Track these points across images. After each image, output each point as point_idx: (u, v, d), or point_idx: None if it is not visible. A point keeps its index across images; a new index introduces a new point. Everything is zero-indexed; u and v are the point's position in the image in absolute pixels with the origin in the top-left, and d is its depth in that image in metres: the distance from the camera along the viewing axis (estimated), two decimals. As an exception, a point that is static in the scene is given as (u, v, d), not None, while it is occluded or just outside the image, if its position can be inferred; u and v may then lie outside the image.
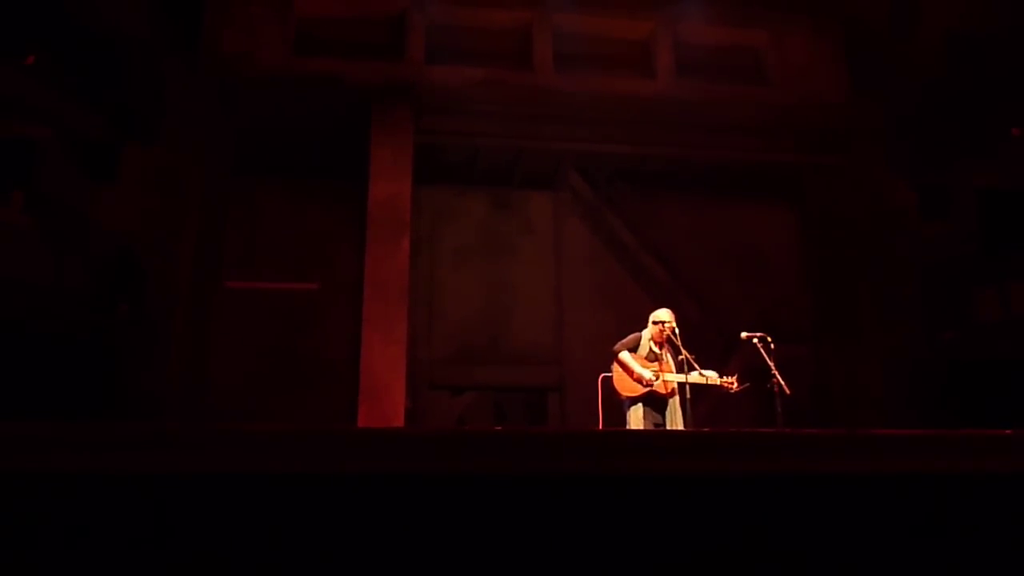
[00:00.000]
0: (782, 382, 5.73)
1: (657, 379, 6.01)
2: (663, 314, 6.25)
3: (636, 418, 6.04)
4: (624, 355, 6.15)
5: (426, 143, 10.66)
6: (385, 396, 9.46)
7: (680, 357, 6.02)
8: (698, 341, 7.45)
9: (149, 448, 2.76)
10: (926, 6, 10.36)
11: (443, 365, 11.25)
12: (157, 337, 8.90)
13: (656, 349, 6.19)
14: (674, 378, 6.04)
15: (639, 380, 6.03)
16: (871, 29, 10.99)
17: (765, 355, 5.85)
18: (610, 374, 6.19)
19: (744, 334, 6.07)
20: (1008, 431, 3.12)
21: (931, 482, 2.90)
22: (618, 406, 6.23)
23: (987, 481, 2.92)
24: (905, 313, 10.35)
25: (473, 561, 2.66)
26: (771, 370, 5.78)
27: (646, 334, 6.25)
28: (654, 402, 6.05)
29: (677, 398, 6.06)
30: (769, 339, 5.91)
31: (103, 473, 2.63)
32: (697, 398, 6.17)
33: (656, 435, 5.08)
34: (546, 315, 11.59)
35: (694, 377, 5.95)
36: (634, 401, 6.07)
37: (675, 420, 6.00)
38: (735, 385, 6.00)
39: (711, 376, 5.99)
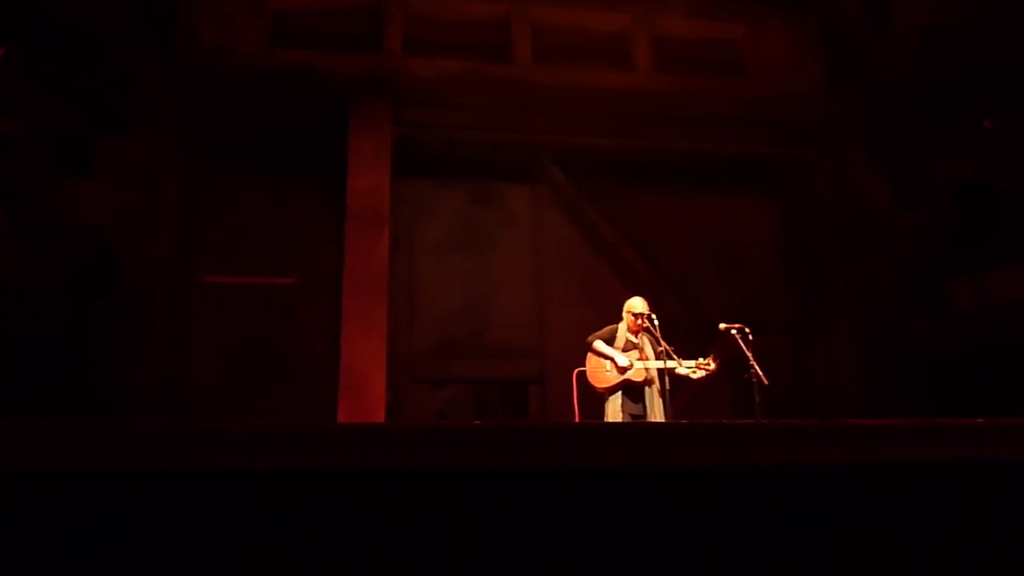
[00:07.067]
0: (760, 373, 5.77)
1: (631, 367, 6.03)
2: (638, 304, 6.26)
3: (613, 409, 6.05)
4: (599, 344, 6.17)
5: (405, 136, 10.62)
6: (365, 390, 9.43)
7: (660, 348, 6.04)
8: (677, 333, 7.49)
9: (125, 446, 2.73)
10: (901, 1, 10.46)
11: (424, 359, 11.22)
12: (133, 333, 8.81)
13: (634, 339, 6.21)
14: (653, 365, 6.06)
15: (615, 366, 6.04)
16: (847, 23, 11.10)
17: (743, 346, 5.89)
18: (584, 368, 6.19)
19: (723, 325, 6.10)
20: (981, 420, 3.17)
21: (908, 471, 2.94)
22: (595, 400, 6.23)
23: (962, 470, 2.97)
24: (881, 303, 10.46)
25: (455, 557, 2.66)
26: (749, 361, 5.82)
27: (622, 326, 6.26)
28: (631, 392, 6.06)
29: (656, 387, 6.06)
30: (748, 330, 5.95)
31: (76, 472, 2.60)
32: (676, 389, 6.20)
33: (635, 428, 5.10)
34: (526, 308, 11.59)
35: (672, 365, 5.97)
36: (612, 391, 6.08)
37: (654, 410, 6.01)
38: (712, 365, 6.03)
39: (689, 367, 6.01)
